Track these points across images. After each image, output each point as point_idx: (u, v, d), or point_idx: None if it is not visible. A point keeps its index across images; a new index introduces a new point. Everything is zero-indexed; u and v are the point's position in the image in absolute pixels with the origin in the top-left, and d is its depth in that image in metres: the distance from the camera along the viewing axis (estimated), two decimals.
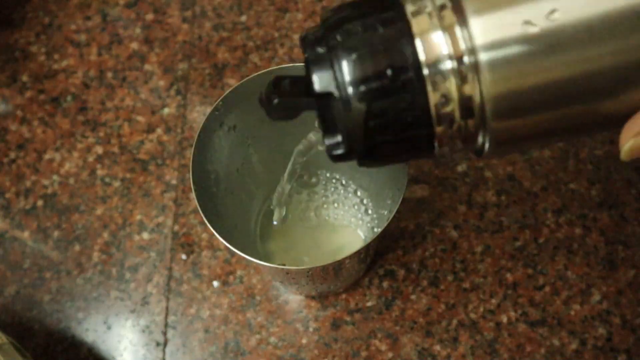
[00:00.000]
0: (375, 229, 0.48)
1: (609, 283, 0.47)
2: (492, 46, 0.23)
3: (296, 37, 0.56)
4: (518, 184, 0.50)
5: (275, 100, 0.27)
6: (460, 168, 0.51)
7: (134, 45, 0.57)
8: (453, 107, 0.24)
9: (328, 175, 0.50)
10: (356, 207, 0.49)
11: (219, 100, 0.39)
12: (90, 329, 0.48)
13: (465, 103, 0.24)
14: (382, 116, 0.25)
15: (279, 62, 0.55)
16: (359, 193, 0.49)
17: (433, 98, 0.24)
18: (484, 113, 0.24)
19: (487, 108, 0.24)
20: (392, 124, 0.25)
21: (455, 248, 0.48)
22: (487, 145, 0.25)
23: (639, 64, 0.23)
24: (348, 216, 0.49)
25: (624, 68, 0.24)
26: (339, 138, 0.26)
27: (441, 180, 0.50)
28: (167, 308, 0.48)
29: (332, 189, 0.50)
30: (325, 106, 0.26)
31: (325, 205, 0.49)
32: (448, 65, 0.24)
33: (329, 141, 0.26)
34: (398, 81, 0.24)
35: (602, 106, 0.24)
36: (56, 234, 0.51)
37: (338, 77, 0.25)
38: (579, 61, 0.23)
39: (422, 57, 0.24)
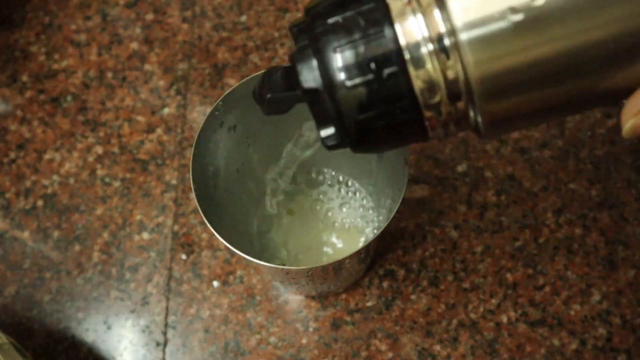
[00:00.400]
0: (375, 229, 0.48)
1: (609, 283, 0.47)
2: (472, 25, 0.23)
3: None
4: (518, 184, 0.50)
5: (268, 96, 0.27)
6: (460, 168, 0.51)
7: (134, 45, 0.57)
8: (439, 92, 0.24)
9: (329, 174, 0.50)
10: (356, 207, 0.49)
11: (219, 100, 0.39)
12: (90, 329, 0.48)
13: (451, 87, 0.24)
14: (370, 105, 0.24)
15: (278, 62, 0.55)
16: (359, 193, 0.49)
17: (418, 84, 0.24)
18: (472, 96, 0.24)
19: (474, 90, 0.23)
20: (380, 113, 0.25)
21: (455, 248, 0.48)
22: (480, 127, 0.25)
23: (627, 37, 0.23)
24: (348, 216, 0.49)
25: (612, 42, 0.23)
26: (332, 129, 0.26)
27: (441, 180, 0.50)
28: (167, 308, 0.48)
29: (333, 188, 0.50)
30: (314, 98, 0.26)
31: (325, 205, 0.49)
32: (428, 48, 0.23)
33: (322, 132, 0.26)
34: (381, 70, 0.24)
35: (592, 82, 0.24)
36: (56, 234, 0.51)
37: (321, 69, 0.25)
38: (565, 36, 0.23)
39: (402, 41, 0.23)
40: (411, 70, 0.24)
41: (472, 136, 0.51)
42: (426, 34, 0.23)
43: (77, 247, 0.51)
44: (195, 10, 0.58)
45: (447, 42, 0.23)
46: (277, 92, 0.27)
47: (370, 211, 0.49)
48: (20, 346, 0.44)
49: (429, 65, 0.23)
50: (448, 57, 0.23)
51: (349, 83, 0.24)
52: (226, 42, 0.56)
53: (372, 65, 0.24)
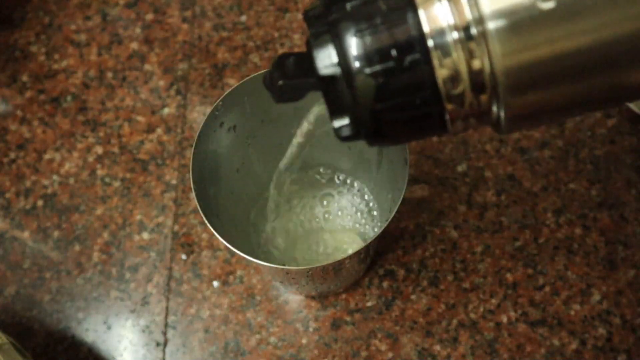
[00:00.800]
0: (376, 229, 0.48)
1: (609, 283, 0.47)
2: (500, 13, 0.22)
3: (296, 37, 0.56)
4: (518, 184, 0.50)
5: (280, 82, 0.26)
6: (460, 168, 0.51)
7: (134, 45, 0.57)
8: (463, 82, 0.23)
9: (329, 174, 0.50)
10: (357, 207, 0.49)
11: (219, 100, 0.39)
12: (90, 329, 0.48)
13: (476, 78, 0.23)
14: (388, 95, 0.23)
15: None
16: (359, 193, 0.49)
17: (441, 74, 0.23)
18: (497, 88, 0.23)
19: (499, 82, 0.22)
20: (399, 104, 0.23)
21: (455, 248, 0.48)
22: (502, 121, 0.24)
23: None
24: (348, 216, 0.49)
25: None
26: (346, 120, 0.25)
27: (441, 180, 0.50)
28: (167, 308, 0.48)
29: (333, 188, 0.50)
30: (330, 86, 0.24)
31: (325, 205, 0.49)
32: (454, 36, 0.22)
33: (336, 123, 0.25)
34: (402, 57, 0.23)
35: (625, 77, 0.23)
36: (56, 234, 0.51)
37: (340, 55, 0.24)
38: (598, 27, 0.22)
39: (425, 29, 0.22)
40: (434, 59, 0.22)
41: (472, 136, 0.51)
42: (452, 21, 0.22)
43: (77, 247, 0.51)
44: (195, 10, 0.58)
45: (473, 30, 0.22)
46: (290, 79, 0.26)
47: (370, 211, 0.49)
48: (20, 346, 0.44)
49: (453, 55, 0.22)
50: (474, 47, 0.22)
51: (367, 70, 0.23)
52: (226, 42, 0.56)
53: (393, 52, 0.23)
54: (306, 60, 0.25)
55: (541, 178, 0.50)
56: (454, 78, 0.23)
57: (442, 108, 0.23)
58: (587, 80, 0.23)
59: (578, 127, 0.51)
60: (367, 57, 0.23)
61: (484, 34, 0.22)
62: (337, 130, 0.25)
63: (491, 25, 0.22)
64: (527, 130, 0.51)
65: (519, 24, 0.22)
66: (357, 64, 0.23)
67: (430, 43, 0.22)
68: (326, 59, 0.24)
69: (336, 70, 0.24)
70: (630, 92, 0.24)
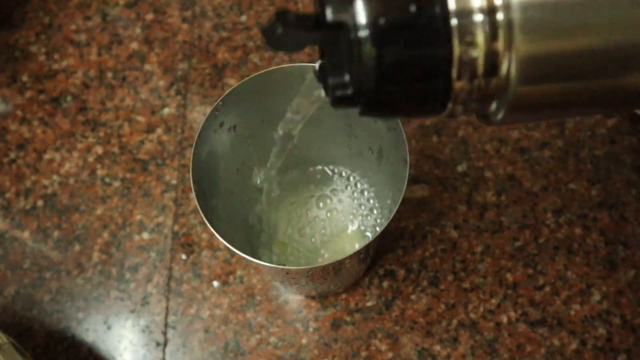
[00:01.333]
0: (376, 229, 0.48)
1: (609, 283, 0.47)
2: (529, 5, 0.21)
3: None
4: (518, 184, 0.50)
5: (279, 30, 0.24)
6: (460, 168, 0.51)
7: (134, 45, 0.57)
8: (478, 62, 0.22)
9: (329, 174, 0.50)
10: (356, 206, 0.49)
11: (219, 100, 0.39)
12: (90, 329, 0.48)
13: (491, 60, 0.22)
14: (399, 61, 0.22)
15: (278, 62, 0.55)
16: (359, 193, 0.49)
17: (458, 50, 0.22)
18: (509, 74, 0.22)
19: (513, 69, 0.22)
20: (409, 72, 0.22)
21: (455, 248, 0.48)
22: (500, 111, 0.24)
23: None
24: (348, 216, 0.49)
25: None
26: (346, 78, 0.23)
27: (441, 180, 0.50)
28: (167, 308, 0.48)
29: (333, 188, 0.50)
30: (334, 37, 0.23)
31: (325, 205, 0.49)
32: (479, 18, 0.22)
33: (334, 80, 0.24)
34: (422, 24, 0.22)
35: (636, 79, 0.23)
36: (56, 234, 0.51)
37: (356, 9, 0.22)
38: (625, 25, 0.22)
39: (452, 5, 0.22)
40: (455, 35, 0.22)
41: (472, 136, 0.51)
42: (479, 3, 0.22)
43: (77, 247, 0.51)
44: (195, 10, 0.58)
45: (499, 16, 0.22)
46: (291, 28, 0.24)
47: (370, 211, 0.49)
48: (20, 346, 0.44)
49: (474, 35, 0.22)
50: (497, 32, 0.22)
51: (382, 21, 0.22)
52: (226, 42, 0.56)
53: (413, 17, 0.22)
54: (309, 19, 0.24)
55: (541, 178, 0.50)
56: (470, 57, 0.22)
57: (450, 85, 0.23)
58: (600, 79, 0.23)
59: (578, 127, 0.51)
60: (385, 17, 0.22)
61: (509, 21, 0.22)
62: (332, 89, 0.24)
63: (518, 14, 0.22)
64: (520, 123, 0.50)
65: (546, 15, 0.22)
66: (373, 22, 0.22)
67: (454, 21, 0.22)
68: (339, 4, 0.22)
69: (348, 18, 0.22)
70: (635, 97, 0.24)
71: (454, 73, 0.22)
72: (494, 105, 0.24)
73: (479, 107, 0.24)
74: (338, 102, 0.24)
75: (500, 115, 0.24)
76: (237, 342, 0.47)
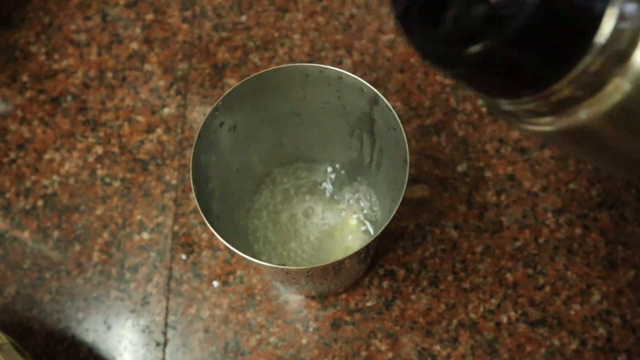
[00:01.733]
0: (376, 229, 0.48)
1: (609, 283, 0.47)
2: None
3: (296, 37, 0.56)
4: (518, 184, 0.50)
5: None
6: (460, 168, 0.51)
7: (134, 45, 0.57)
8: (606, 63, 0.21)
9: (329, 174, 0.50)
10: (356, 206, 0.49)
11: (219, 100, 0.39)
12: (90, 329, 0.48)
13: (614, 68, 0.21)
14: (545, 23, 0.20)
15: (278, 62, 0.55)
16: (359, 193, 0.49)
17: (599, 40, 0.21)
18: (619, 88, 0.21)
19: (627, 86, 0.21)
20: (547, 36, 0.21)
21: (455, 248, 0.48)
22: (566, 124, 0.22)
23: None
24: (348, 216, 0.49)
25: None
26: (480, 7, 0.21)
27: (441, 180, 0.50)
28: (167, 308, 0.48)
29: (333, 188, 0.50)
30: None
31: (325, 205, 0.49)
32: (631, 24, 0.21)
33: (460, 7, 0.21)
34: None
35: None
36: (56, 234, 0.51)
37: None
38: None
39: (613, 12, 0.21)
40: (607, 20, 0.21)
41: (472, 136, 0.51)
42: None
43: (77, 247, 0.51)
44: (195, 10, 0.58)
45: None
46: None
47: (370, 211, 0.49)
48: (20, 346, 0.44)
49: (620, 37, 0.21)
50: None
51: None
52: (226, 42, 0.56)
53: None
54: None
55: (541, 178, 0.50)
56: (619, 30, 0.21)
57: (585, 51, 0.21)
58: None
59: None
60: None
61: None
62: (454, 21, 0.21)
63: None
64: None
65: None
66: None
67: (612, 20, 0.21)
68: None
69: None
70: None
71: (600, 37, 0.21)
72: (567, 116, 0.23)
73: (555, 108, 0.23)
74: (455, 41, 0.22)
75: (561, 128, 0.22)
76: (237, 342, 0.47)
